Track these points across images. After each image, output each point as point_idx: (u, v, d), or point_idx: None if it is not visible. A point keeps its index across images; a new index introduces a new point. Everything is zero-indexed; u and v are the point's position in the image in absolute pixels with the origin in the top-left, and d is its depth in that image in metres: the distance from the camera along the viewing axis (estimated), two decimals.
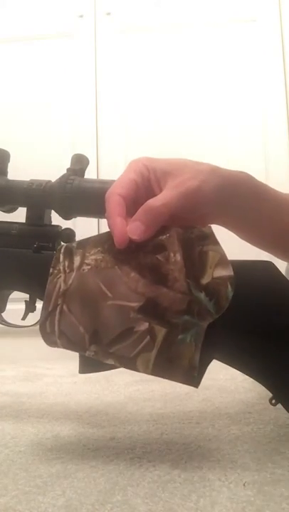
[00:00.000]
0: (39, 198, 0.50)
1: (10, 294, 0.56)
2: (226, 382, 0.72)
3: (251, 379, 0.44)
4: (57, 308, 0.38)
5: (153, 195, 0.39)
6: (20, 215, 0.52)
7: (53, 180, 0.51)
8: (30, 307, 0.53)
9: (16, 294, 0.53)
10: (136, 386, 0.71)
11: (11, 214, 0.53)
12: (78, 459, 0.39)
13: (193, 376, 0.36)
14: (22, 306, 0.53)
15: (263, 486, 0.33)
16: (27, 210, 0.52)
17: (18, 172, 0.53)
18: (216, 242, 0.37)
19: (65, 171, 0.51)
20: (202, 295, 0.36)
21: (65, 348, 0.38)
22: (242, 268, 0.43)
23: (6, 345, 1.14)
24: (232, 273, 0.37)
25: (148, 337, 0.36)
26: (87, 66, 1.37)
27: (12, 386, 0.77)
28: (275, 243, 0.46)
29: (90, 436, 0.46)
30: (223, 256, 0.37)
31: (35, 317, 0.53)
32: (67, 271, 0.38)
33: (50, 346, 0.38)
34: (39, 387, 0.76)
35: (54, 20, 1.39)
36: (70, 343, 0.37)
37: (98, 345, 0.37)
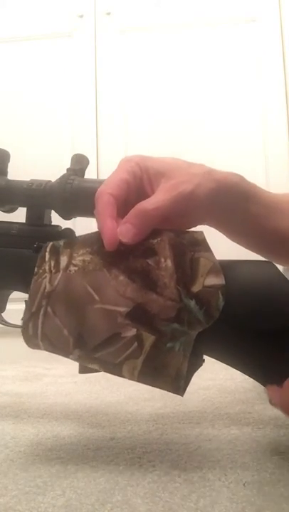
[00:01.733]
0: (39, 198, 0.50)
1: (10, 294, 0.56)
2: (225, 382, 0.72)
3: (251, 379, 0.44)
4: (41, 309, 0.36)
5: (145, 195, 0.38)
6: (20, 215, 0.52)
7: (53, 180, 0.51)
8: None
9: (16, 294, 0.53)
10: (136, 386, 0.71)
11: (11, 214, 0.53)
12: (78, 459, 0.39)
13: (179, 385, 0.35)
14: (22, 306, 0.52)
15: (263, 486, 0.33)
16: (27, 210, 0.52)
17: (18, 172, 0.53)
18: (208, 249, 0.36)
19: (65, 171, 0.51)
20: (192, 303, 0.35)
21: (47, 351, 0.37)
22: (242, 268, 0.43)
23: (6, 345, 1.14)
24: (223, 282, 0.36)
25: (135, 343, 0.35)
26: (87, 66, 1.37)
27: (12, 386, 0.77)
28: (260, 245, 0.46)
29: (90, 436, 0.46)
30: (215, 264, 0.36)
31: None
32: (53, 271, 0.37)
33: (32, 348, 0.37)
34: (39, 387, 0.76)
35: (54, 20, 1.39)
36: (53, 347, 0.36)
37: (82, 350, 0.35)
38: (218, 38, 1.34)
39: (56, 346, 0.36)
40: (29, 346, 0.37)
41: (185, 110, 1.32)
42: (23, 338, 0.37)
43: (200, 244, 0.37)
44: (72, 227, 0.52)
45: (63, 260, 0.37)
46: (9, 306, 0.55)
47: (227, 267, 0.44)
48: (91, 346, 0.35)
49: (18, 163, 0.55)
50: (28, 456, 0.40)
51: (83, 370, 0.48)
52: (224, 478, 0.34)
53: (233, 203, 0.40)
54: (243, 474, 0.35)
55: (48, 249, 0.38)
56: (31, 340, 0.37)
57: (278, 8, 1.33)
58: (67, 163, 0.52)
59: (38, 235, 0.51)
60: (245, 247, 0.46)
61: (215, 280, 0.36)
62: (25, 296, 0.52)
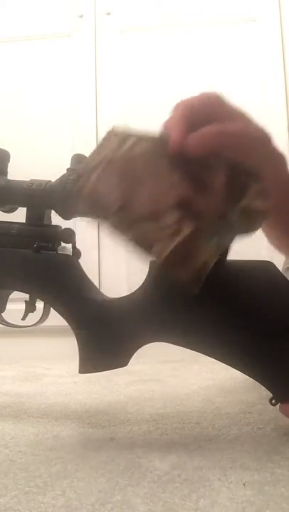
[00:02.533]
0: (39, 198, 0.50)
1: (10, 294, 0.56)
2: (225, 382, 0.72)
3: (251, 379, 0.44)
4: (98, 169, 0.39)
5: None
6: (20, 215, 0.52)
7: (53, 180, 0.51)
8: (30, 307, 0.53)
9: (16, 294, 0.53)
10: (136, 386, 0.71)
11: (11, 214, 0.53)
12: (78, 459, 0.39)
13: (199, 277, 0.37)
14: (22, 306, 0.53)
15: (263, 486, 0.33)
16: (27, 210, 0.52)
17: (18, 172, 0.53)
18: (261, 181, 0.38)
19: (65, 171, 0.51)
20: (237, 213, 0.37)
21: (90, 208, 0.39)
22: (242, 268, 0.43)
23: (6, 345, 1.14)
24: (269, 206, 0.38)
25: (176, 227, 0.37)
26: (87, 66, 1.37)
27: (12, 386, 0.77)
28: None
29: (90, 436, 0.46)
30: (264, 190, 0.38)
31: (35, 317, 0.53)
32: (118, 146, 0.39)
33: (79, 205, 0.40)
34: (39, 387, 0.76)
35: (54, 20, 1.39)
36: (94, 206, 0.39)
37: (123, 216, 0.38)
38: (218, 38, 1.34)
39: (98, 205, 0.39)
40: (76, 203, 0.40)
41: None
42: (75, 192, 0.40)
43: (256, 175, 0.39)
44: (72, 227, 0.52)
45: (129, 142, 0.39)
46: (9, 306, 0.55)
47: (227, 267, 0.44)
48: (133, 216, 0.38)
49: (18, 163, 0.55)
50: (28, 456, 0.40)
51: (83, 370, 0.48)
52: (224, 478, 0.34)
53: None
54: (243, 474, 0.35)
55: (116, 129, 0.40)
56: (79, 195, 0.39)
57: (278, 8, 1.33)
58: (67, 163, 0.52)
59: (38, 234, 0.51)
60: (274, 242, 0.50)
61: (261, 203, 0.37)
62: (26, 296, 0.53)
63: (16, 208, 0.53)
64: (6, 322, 0.55)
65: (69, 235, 0.51)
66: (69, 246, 0.52)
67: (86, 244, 0.92)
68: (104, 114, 1.34)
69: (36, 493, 0.33)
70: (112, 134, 0.40)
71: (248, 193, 0.37)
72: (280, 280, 0.43)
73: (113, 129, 0.40)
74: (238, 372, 0.44)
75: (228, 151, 0.39)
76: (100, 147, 0.40)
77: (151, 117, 1.43)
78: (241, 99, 1.41)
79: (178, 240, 0.36)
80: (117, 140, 0.39)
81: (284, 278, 0.43)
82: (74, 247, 0.52)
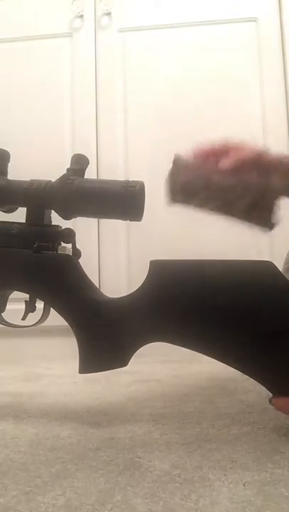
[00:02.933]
0: (39, 198, 0.50)
1: (10, 294, 0.56)
2: (226, 382, 0.72)
3: (251, 379, 0.44)
4: (182, 172, 0.54)
5: None
6: (20, 215, 0.52)
7: (53, 180, 0.51)
8: (30, 307, 0.53)
9: (16, 294, 0.53)
10: (136, 386, 0.71)
11: (11, 214, 0.53)
12: (78, 459, 0.39)
13: (268, 220, 0.52)
14: (22, 306, 0.53)
15: (263, 486, 0.33)
16: (27, 210, 0.52)
17: (18, 172, 0.53)
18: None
19: (65, 171, 0.51)
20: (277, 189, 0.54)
21: (184, 193, 0.53)
22: (242, 268, 0.43)
23: (6, 345, 1.14)
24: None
25: (245, 192, 0.52)
26: (87, 66, 1.37)
27: (12, 386, 0.77)
28: None
29: (90, 436, 0.46)
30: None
31: (35, 317, 0.53)
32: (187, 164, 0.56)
33: (175, 196, 0.53)
34: (39, 387, 0.76)
35: (54, 19, 1.39)
36: (189, 190, 0.53)
37: (208, 192, 0.53)
38: (218, 37, 1.34)
39: (192, 190, 0.53)
40: (170, 198, 0.53)
41: (185, 111, 1.32)
42: (167, 190, 0.53)
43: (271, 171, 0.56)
44: (72, 227, 0.52)
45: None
46: (9, 306, 0.55)
47: (227, 267, 0.44)
48: (215, 189, 0.53)
49: (18, 163, 0.55)
50: (28, 456, 0.40)
51: (83, 370, 0.48)
52: (224, 478, 0.34)
53: None
54: (243, 474, 0.35)
55: (179, 156, 0.56)
56: (173, 187, 0.53)
57: (278, 8, 1.33)
58: (67, 163, 0.52)
59: (38, 235, 0.51)
60: None
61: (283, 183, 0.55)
62: (26, 296, 0.53)
63: (16, 208, 0.53)
64: (6, 322, 0.55)
65: (69, 235, 0.51)
66: (69, 246, 0.52)
67: (86, 244, 0.92)
68: (104, 114, 1.34)
69: (36, 493, 0.33)
70: (178, 160, 0.56)
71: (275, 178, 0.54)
72: (280, 280, 0.43)
73: (177, 157, 0.56)
74: (239, 372, 0.44)
75: (244, 164, 0.55)
76: (174, 167, 0.55)
77: (151, 117, 1.42)
78: (241, 99, 1.40)
79: (247, 200, 0.52)
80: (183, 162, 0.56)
81: (284, 278, 0.43)
82: (74, 247, 0.52)
